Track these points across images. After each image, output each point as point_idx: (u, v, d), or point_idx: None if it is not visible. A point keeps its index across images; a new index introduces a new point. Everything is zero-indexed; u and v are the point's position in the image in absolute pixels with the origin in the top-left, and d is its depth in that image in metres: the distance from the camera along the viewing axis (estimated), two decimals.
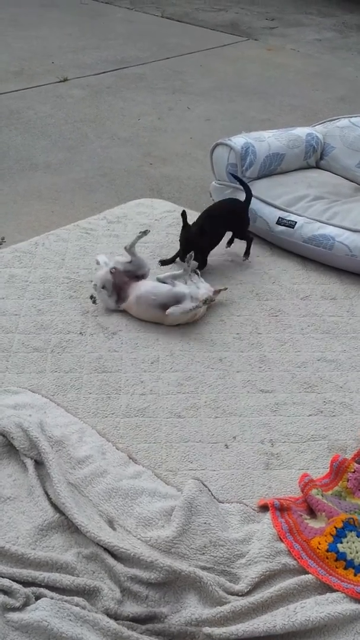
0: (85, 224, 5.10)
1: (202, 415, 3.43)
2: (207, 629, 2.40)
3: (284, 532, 2.77)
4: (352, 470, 3.06)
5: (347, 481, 3.04)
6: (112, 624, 2.40)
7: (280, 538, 2.76)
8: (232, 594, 2.56)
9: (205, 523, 2.79)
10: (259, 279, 4.54)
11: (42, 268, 4.54)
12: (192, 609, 2.50)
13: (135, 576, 2.59)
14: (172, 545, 2.70)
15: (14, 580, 2.54)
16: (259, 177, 5.12)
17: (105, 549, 2.68)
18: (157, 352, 3.85)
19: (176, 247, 4.84)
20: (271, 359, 3.84)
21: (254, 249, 4.87)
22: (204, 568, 2.64)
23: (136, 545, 2.71)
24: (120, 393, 3.55)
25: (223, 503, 2.93)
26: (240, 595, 2.56)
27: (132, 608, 2.51)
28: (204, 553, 2.68)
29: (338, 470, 3.08)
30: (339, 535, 2.74)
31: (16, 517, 2.84)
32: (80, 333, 3.97)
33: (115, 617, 2.46)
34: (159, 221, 5.18)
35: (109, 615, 2.46)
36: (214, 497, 2.94)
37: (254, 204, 4.91)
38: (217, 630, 2.39)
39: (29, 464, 3.04)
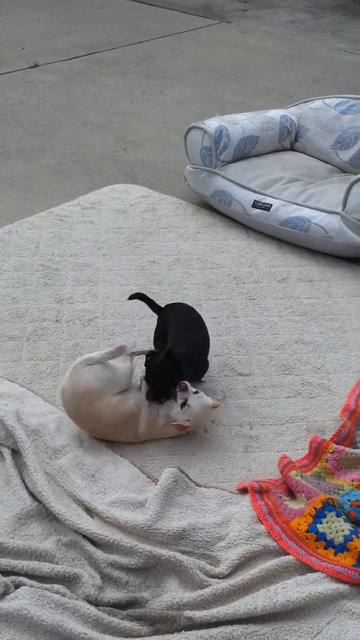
0: (59, 210, 5.05)
1: None
2: (188, 613, 2.39)
3: (264, 514, 2.77)
4: (331, 450, 3.07)
5: (326, 462, 3.05)
6: (93, 610, 2.39)
7: (260, 520, 2.76)
8: (212, 576, 2.56)
9: (180, 512, 2.79)
10: (235, 263, 4.53)
11: (16, 256, 4.50)
12: (172, 593, 2.49)
13: (115, 562, 2.58)
14: (149, 532, 2.69)
15: None
16: (233, 160, 5.09)
17: (85, 536, 2.67)
18: (134, 338, 3.83)
19: (150, 232, 4.82)
20: (249, 342, 3.83)
21: (230, 232, 4.86)
22: (183, 552, 2.63)
23: (115, 532, 2.70)
24: None
25: (200, 487, 2.92)
26: (221, 578, 2.55)
27: (112, 594, 2.50)
28: (182, 537, 2.67)
29: (317, 451, 3.08)
30: (319, 516, 2.74)
31: None
32: (56, 320, 3.94)
33: (95, 603, 2.45)
34: (134, 206, 5.14)
35: (90, 602, 2.45)
36: (192, 481, 2.93)
37: (229, 187, 4.89)
38: (198, 614, 2.39)
39: (6, 453, 3.02)
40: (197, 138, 5.03)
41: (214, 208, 5.09)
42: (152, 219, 4.98)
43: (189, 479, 2.94)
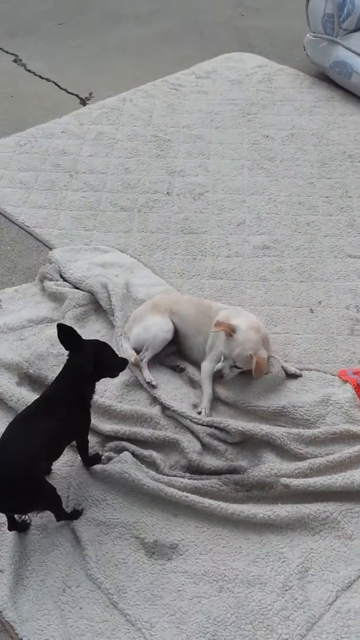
0: (173, 79, 4.95)
1: (287, 279, 3.41)
2: (285, 480, 2.48)
3: None
4: None
5: None
6: (187, 481, 2.50)
7: None
8: (309, 452, 2.61)
9: (279, 396, 2.83)
10: (352, 140, 4.35)
11: (130, 125, 4.48)
12: (270, 464, 2.58)
13: (214, 434, 2.69)
14: (250, 408, 2.77)
15: (97, 434, 2.68)
16: (357, 29, 4.80)
17: None
18: (244, 214, 3.80)
19: (265, 104, 4.67)
20: None
21: (348, 106, 4.64)
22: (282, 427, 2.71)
23: (214, 406, 2.80)
24: (206, 255, 3.55)
25: (302, 371, 2.95)
26: (318, 455, 2.61)
27: (212, 461, 2.61)
28: (282, 414, 2.74)
29: None
30: None
31: None
32: (167, 193, 3.95)
33: (197, 469, 2.58)
34: (249, 77, 4.97)
35: (192, 467, 2.58)
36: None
37: (350, 58, 4.64)
38: (295, 482, 2.48)
39: (115, 321, 3.12)
40: (319, 4, 4.74)
41: (333, 81, 4.86)
42: (268, 90, 4.82)
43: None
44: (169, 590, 2.25)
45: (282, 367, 2.89)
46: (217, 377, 2.80)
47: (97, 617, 2.18)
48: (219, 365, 2.78)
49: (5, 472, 2.14)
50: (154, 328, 2.93)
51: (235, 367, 2.75)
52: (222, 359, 2.78)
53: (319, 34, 4.82)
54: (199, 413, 2.75)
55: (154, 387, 2.83)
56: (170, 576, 2.28)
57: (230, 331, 2.71)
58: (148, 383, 2.84)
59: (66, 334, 2.35)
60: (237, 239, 3.65)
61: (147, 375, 2.87)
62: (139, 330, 2.97)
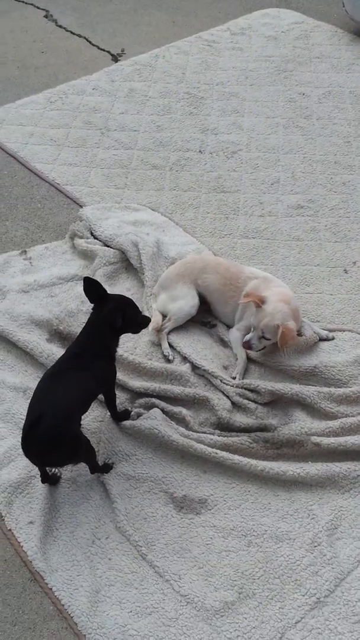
0: (208, 35, 4.85)
1: (321, 239, 3.36)
2: (315, 438, 2.47)
3: None
4: None
5: None
6: (216, 438, 2.50)
7: None
8: (340, 411, 2.59)
9: (311, 353, 2.81)
10: None
11: (162, 82, 4.41)
12: (301, 422, 2.57)
13: (244, 394, 2.67)
14: (281, 367, 2.75)
15: (127, 391, 2.68)
16: None
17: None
18: (278, 173, 3.74)
19: (301, 62, 4.57)
20: None
21: None
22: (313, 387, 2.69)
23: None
24: (238, 214, 3.50)
25: (334, 332, 2.90)
26: (350, 414, 2.58)
27: (242, 419, 2.60)
28: (314, 374, 2.72)
29: None
30: None
31: None
32: (200, 151, 3.89)
33: (227, 426, 2.57)
34: (286, 33, 4.86)
35: (222, 425, 2.57)
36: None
37: None
38: (325, 440, 2.46)
39: (145, 280, 3.10)
40: None
41: None
42: (304, 47, 4.71)
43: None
44: (197, 544, 2.26)
45: (314, 331, 2.85)
46: (245, 347, 2.76)
47: (126, 568, 2.20)
48: (248, 336, 2.74)
49: (44, 429, 2.14)
50: (180, 301, 2.91)
51: (264, 338, 2.69)
52: (252, 329, 2.73)
53: None
54: (233, 378, 2.73)
55: (170, 361, 2.81)
56: (198, 530, 2.30)
57: (260, 302, 2.67)
58: (165, 356, 2.83)
59: (92, 287, 2.34)
60: (270, 198, 3.59)
61: (166, 347, 2.85)
62: (165, 298, 2.95)
